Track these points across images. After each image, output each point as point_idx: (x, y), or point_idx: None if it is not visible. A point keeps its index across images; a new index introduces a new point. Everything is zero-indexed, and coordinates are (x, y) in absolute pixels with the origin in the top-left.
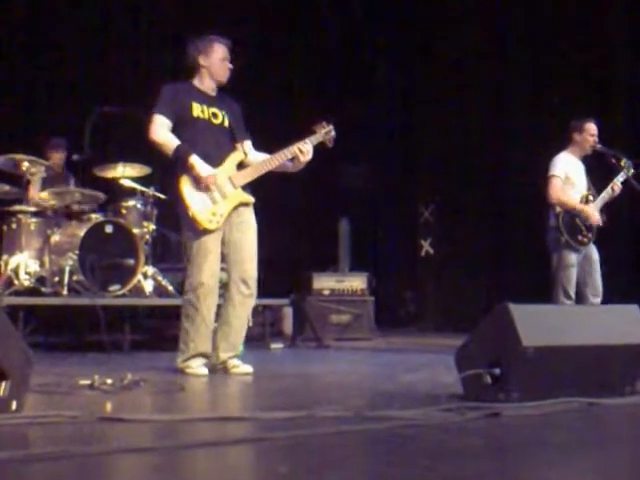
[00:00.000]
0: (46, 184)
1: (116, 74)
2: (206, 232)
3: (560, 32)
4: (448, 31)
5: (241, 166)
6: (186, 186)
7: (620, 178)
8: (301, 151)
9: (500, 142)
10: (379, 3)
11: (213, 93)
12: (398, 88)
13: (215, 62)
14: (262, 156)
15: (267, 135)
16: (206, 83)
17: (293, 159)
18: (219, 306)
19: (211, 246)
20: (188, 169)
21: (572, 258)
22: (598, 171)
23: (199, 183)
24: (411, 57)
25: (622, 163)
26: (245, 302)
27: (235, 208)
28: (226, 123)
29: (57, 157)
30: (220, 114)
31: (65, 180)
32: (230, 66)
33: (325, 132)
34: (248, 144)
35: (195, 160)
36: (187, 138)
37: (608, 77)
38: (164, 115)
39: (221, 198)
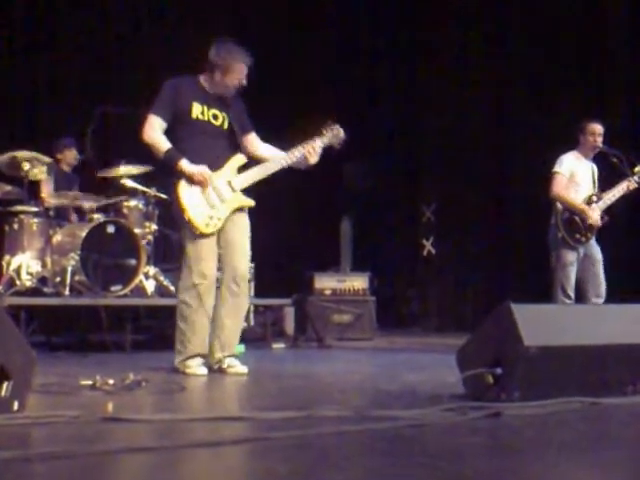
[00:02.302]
0: (55, 183)
1: (116, 74)
2: (202, 236)
3: (560, 32)
4: (448, 31)
5: (245, 166)
6: (183, 190)
7: (634, 183)
8: (311, 153)
9: (501, 142)
10: (379, 3)
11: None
12: (398, 88)
13: (230, 81)
14: (272, 150)
15: (265, 134)
16: (213, 86)
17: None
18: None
19: (206, 249)
20: (180, 173)
21: (570, 256)
22: (605, 172)
23: (193, 180)
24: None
25: (636, 169)
26: (236, 302)
27: (233, 212)
28: (225, 126)
29: (71, 156)
30: (221, 116)
31: (70, 181)
32: (243, 83)
33: (334, 134)
34: (252, 136)
35: (184, 165)
36: (183, 138)
37: (608, 77)
38: (159, 116)
39: (219, 202)
